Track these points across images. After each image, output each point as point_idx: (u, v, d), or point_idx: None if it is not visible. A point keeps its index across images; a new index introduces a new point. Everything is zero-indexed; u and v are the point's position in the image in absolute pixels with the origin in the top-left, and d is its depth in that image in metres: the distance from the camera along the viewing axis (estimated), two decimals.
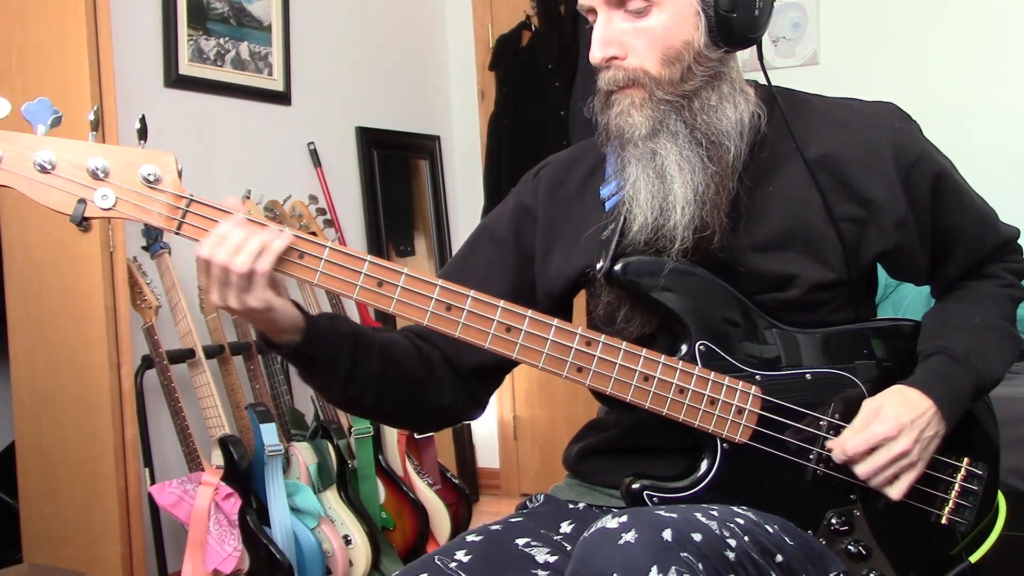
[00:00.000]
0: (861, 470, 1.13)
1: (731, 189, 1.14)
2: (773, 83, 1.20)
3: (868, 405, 1.14)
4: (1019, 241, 1.34)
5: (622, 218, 1.14)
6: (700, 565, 0.92)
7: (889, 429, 1.11)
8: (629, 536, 0.93)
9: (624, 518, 0.96)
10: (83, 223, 1.01)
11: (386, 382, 1.17)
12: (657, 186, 1.13)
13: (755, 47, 1.18)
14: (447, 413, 1.25)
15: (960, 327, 1.23)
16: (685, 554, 0.92)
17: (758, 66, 1.20)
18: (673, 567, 0.90)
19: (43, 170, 0.99)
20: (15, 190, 0.99)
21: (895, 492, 1.14)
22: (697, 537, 0.95)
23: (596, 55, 1.14)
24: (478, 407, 1.28)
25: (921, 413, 1.13)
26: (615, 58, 1.14)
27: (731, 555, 0.96)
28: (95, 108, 1.06)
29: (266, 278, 1.03)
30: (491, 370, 1.25)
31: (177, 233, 1.03)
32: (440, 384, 1.22)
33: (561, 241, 1.26)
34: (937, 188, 1.21)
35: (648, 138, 1.13)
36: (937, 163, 1.22)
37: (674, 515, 0.97)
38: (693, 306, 1.14)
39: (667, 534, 0.93)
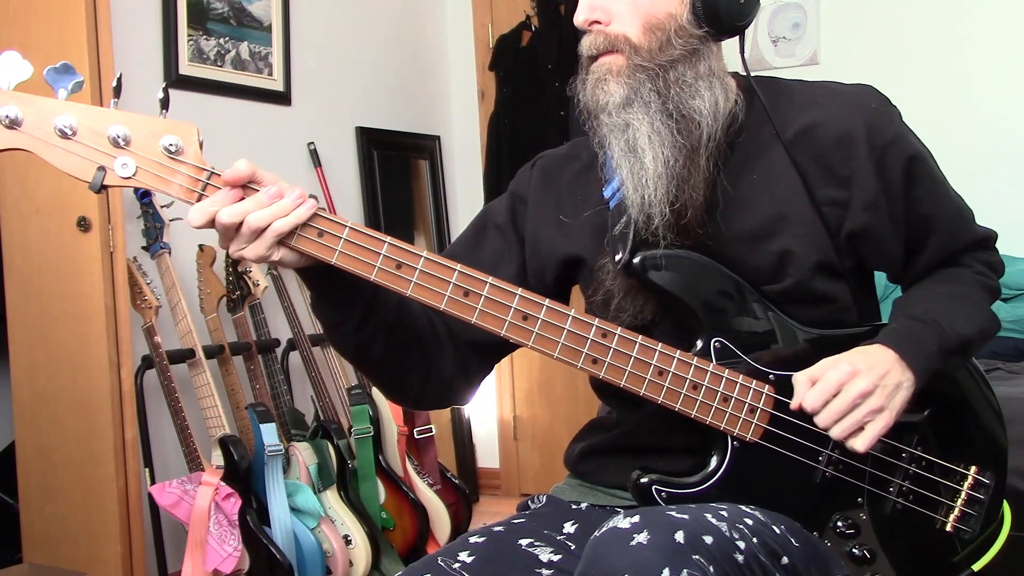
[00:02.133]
0: (822, 419, 1.10)
1: (703, 168, 1.14)
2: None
3: (822, 361, 1.12)
4: (1001, 247, 1.32)
5: (630, 211, 1.14)
6: (711, 568, 0.91)
7: (843, 374, 1.09)
8: (641, 537, 0.92)
9: (636, 518, 0.95)
10: (102, 191, 0.99)
11: (399, 333, 1.17)
12: (632, 161, 1.13)
13: (738, 39, 1.19)
14: (444, 384, 1.24)
15: (922, 297, 1.22)
16: (697, 556, 0.91)
17: (739, 61, 1.21)
18: (685, 569, 0.89)
19: (63, 135, 0.97)
20: (33, 154, 0.97)
21: (860, 443, 1.10)
22: (708, 540, 0.94)
23: (580, 17, 1.16)
24: (472, 386, 1.27)
25: (879, 361, 1.11)
26: (598, 22, 1.16)
27: (740, 558, 0.96)
28: (118, 75, 1.05)
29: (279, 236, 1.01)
30: (486, 346, 1.23)
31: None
32: (443, 351, 1.22)
33: (550, 225, 1.26)
34: (911, 173, 1.19)
35: (622, 108, 1.14)
36: (912, 147, 1.20)
37: (685, 516, 0.97)
38: (710, 302, 1.14)
39: (679, 536, 0.93)
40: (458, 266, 1.06)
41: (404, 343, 1.19)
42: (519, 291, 1.08)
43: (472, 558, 1.11)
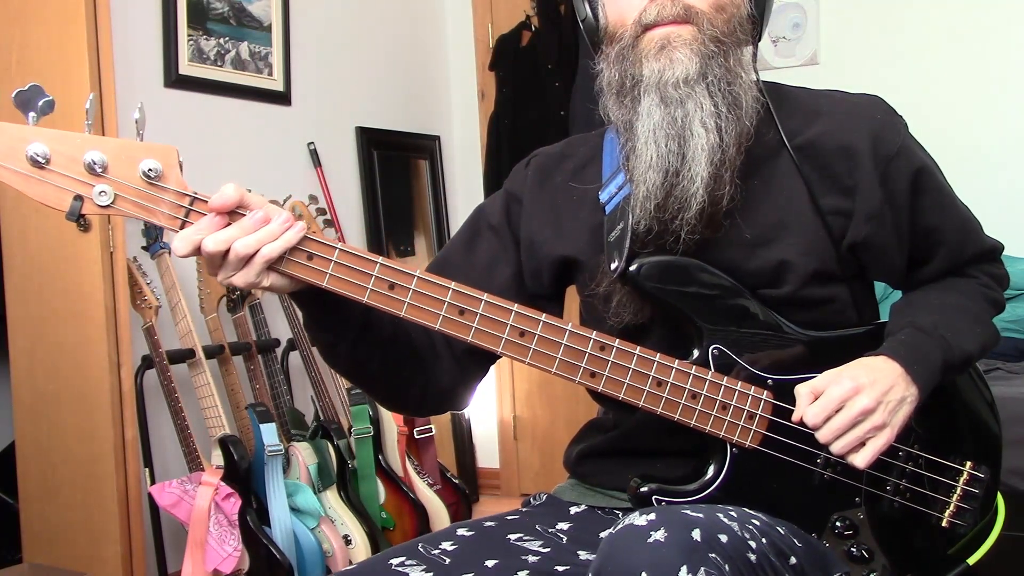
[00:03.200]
0: (823, 435, 1.09)
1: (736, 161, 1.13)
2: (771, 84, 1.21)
3: (826, 373, 1.11)
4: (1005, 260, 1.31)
5: (629, 217, 1.13)
6: (727, 567, 0.91)
7: (846, 391, 1.08)
8: (658, 535, 0.92)
9: (652, 516, 0.94)
10: (80, 220, 0.95)
11: (395, 348, 1.16)
12: (674, 145, 1.10)
13: (752, 47, 1.20)
14: (442, 392, 1.23)
15: (928, 307, 1.21)
16: (713, 555, 0.91)
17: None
18: (702, 568, 0.89)
19: (36, 164, 0.92)
20: (9, 186, 0.93)
21: (861, 459, 1.10)
22: (723, 538, 0.94)
23: None
24: (468, 392, 1.26)
25: (884, 376, 1.10)
26: None
27: (753, 557, 0.96)
28: (90, 97, 0.99)
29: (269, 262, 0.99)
30: (483, 353, 1.21)
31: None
32: (440, 360, 1.21)
33: (545, 226, 1.25)
34: (917, 184, 1.19)
35: (690, 82, 1.10)
36: (918, 159, 1.20)
37: (701, 515, 0.97)
38: (707, 309, 1.13)
39: (696, 534, 0.92)
40: (452, 284, 1.04)
41: (400, 357, 1.18)
42: (515, 307, 1.06)
43: (455, 547, 1.11)
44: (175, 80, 2.84)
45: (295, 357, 2.98)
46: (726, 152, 1.10)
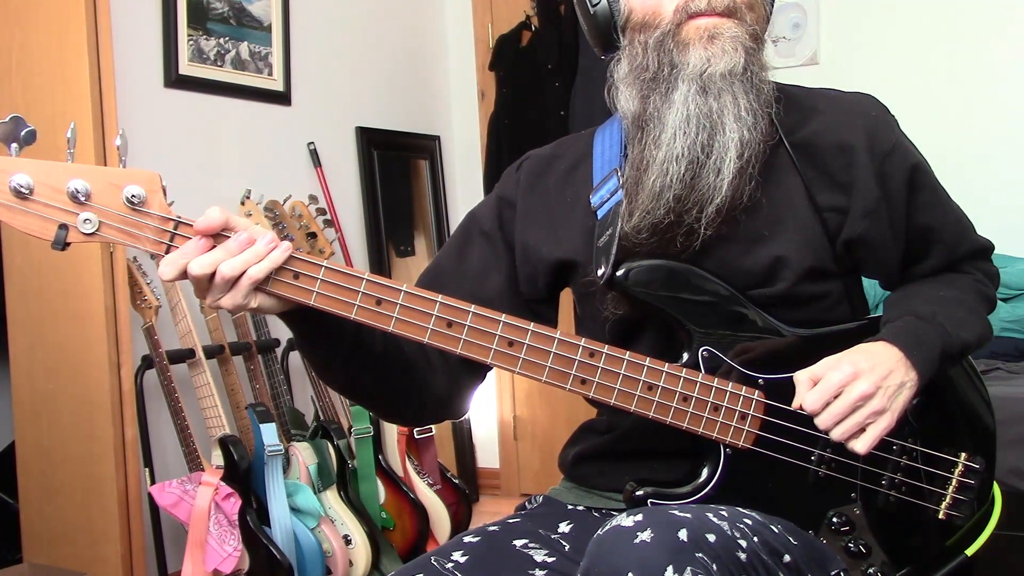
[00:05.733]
0: (822, 420, 1.09)
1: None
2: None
3: (825, 359, 1.11)
4: (1001, 248, 1.32)
5: (619, 223, 1.13)
6: (714, 566, 0.92)
7: (845, 376, 1.08)
8: (645, 535, 0.92)
9: (639, 517, 0.95)
10: (66, 248, 0.95)
11: (388, 362, 1.16)
12: (704, 136, 1.11)
13: None
14: (439, 403, 1.23)
15: (926, 297, 1.21)
16: (700, 554, 0.91)
17: None
18: (688, 567, 0.89)
19: (19, 195, 0.93)
20: None
21: (861, 445, 1.09)
22: (711, 538, 0.94)
23: None
24: (465, 400, 1.26)
25: (883, 361, 1.10)
26: None
27: (743, 556, 0.96)
28: (71, 125, 1.00)
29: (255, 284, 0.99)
30: (476, 361, 1.22)
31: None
32: (434, 371, 1.21)
33: (539, 230, 1.25)
34: (913, 182, 1.20)
35: (735, 75, 1.11)
36: (913, 156, 1.21)
37: (688, 515, 0.97)
38: (696, 311, 1.13)
39: (683, 534, 0.93)
40: (439, 297, 1.04)
41: (395, 370, 1.17)
42: (503, 317, 1.06)
43: (465, 558, 1.11)
44: (175, 80, 2.84)
45: (295, 357, 2.97)
46: (755, 148, 1.11)
